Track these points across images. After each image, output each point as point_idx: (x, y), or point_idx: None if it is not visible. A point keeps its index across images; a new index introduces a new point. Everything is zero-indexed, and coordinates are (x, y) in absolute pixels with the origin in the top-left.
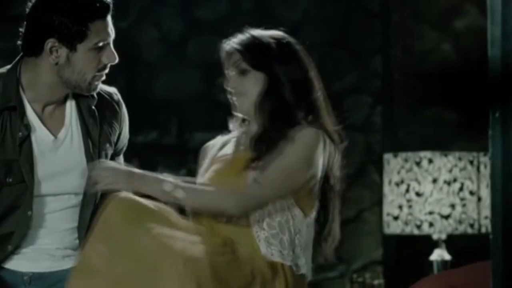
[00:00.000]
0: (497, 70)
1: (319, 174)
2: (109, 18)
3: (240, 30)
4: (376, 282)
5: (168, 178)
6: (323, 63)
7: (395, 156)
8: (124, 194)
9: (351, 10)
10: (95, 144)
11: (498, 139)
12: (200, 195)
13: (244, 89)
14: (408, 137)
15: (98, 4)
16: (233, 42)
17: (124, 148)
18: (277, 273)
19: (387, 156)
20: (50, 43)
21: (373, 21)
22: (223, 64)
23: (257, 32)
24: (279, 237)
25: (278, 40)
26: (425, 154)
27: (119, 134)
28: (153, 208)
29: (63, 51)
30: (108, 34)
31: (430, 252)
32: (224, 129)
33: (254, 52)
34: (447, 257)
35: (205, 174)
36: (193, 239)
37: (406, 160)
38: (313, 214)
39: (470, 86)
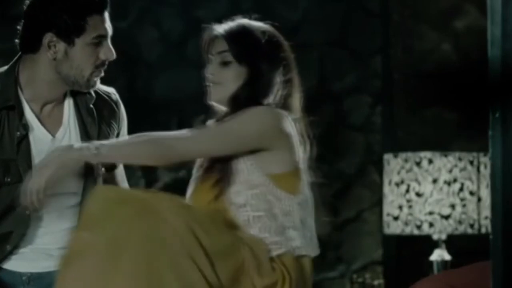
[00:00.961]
0: (497, 70)
1: (275, 148)
2: (106, 14)
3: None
4: (376, 282)
5: (95, 142)
6: (323, 63)
7: (395, 156)
8: (105, 185)
9: (351, 10)
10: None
11: (498, 139)
12: (122, 148)
13: (224, 80)
14: (408, 137)
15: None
16: (222, 30)
17: None
18: (272, 261)
19: (387, 156)
20: (48, 37)
21: (373, 21)
22: (204, 46)
23: (247, 23)
24: (267, 224)
25: (267, 36)
26: (425, 154)
27: (118, 134)
28: (134, 194)
29: (61, 46)
30: (105, 29)
31: (430, 252)
32: None
33: (241, 46)
34: (447, 257)
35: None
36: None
37: (406, 160)
38: (303, 191)
39: (470, 86)
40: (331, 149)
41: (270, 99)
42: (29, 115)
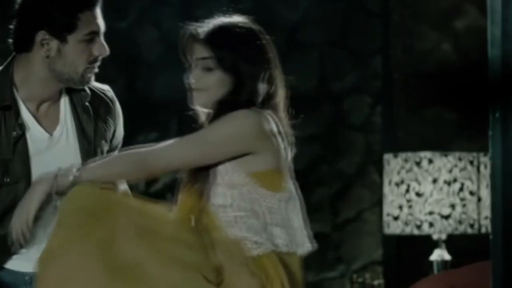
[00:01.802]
0: (497, 70)
1: (259, 150)
2: (98, 10)
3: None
4: (376, 282)
5: (74, 166)
6: (323, 63)
7: (395, 156)
8: (82, 185)
9: (351, 10)
10: (90, 141)
11: (498, 139)
12: (102, 168)
13: (207, 86)
14: (408, 137)
15: None
16: (203, 34)
17: (119, 145)
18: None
19: (387, 156)
20: (41, 35)
21: (373, 21)
22: (183, 49)
23: (228, 25)
24: (249, 223)
25: (249, 36)
26: (425, 154)
27: (114, 131)
28: (109, 194)
29: (54, 43)
30: (97, 25)
31: (430, 252)
32: None
33: (225, 53)
34: (447, 257)
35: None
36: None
37: (406, 160)
38: (287, 189)
39: (470, 86)
40: (331, 149)
41: (255, 101)
42: (26, 115)
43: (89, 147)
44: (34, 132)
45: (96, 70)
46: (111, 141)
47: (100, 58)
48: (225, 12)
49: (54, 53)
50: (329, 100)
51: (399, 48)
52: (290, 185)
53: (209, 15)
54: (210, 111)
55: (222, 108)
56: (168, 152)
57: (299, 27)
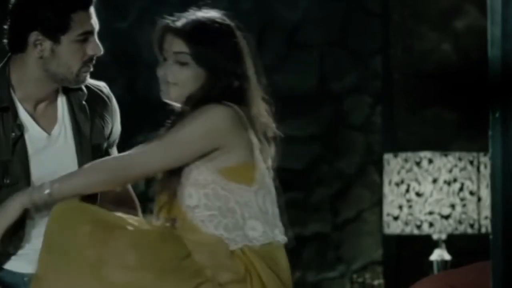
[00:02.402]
0: (497, 70)
1: (229, 145)
2: (92, 10)
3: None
4: (376, 282)
5: (47, 182)
6: (323, 63)
7: (395, 156)
8: (67, 201)
9: (351, 10)
10: (86, 139)
11: (498, 139)
12: (75, 181)
13: (181, 81)
14: (408, 137)
15: None
16: (179, 28)
17: (116, 141)
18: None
19: (387, 156)
20: (33, 36)
21: (373, 21)
22: (157, 41)
23: (204, 20)
24: (222, 222)
25: (225, 33)
26: (425, 154)
27: (112, 127)
28: (92, 209)
29: (47, 44)
30: (91, 25)
31: (430, 252)
32: None
33: (200, 48)
34: (447, 257)
35: None
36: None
37: (406, 160)
38: (261, 181)
39: (470, 86)
40: (331, 149)
41: (227, 96)
42: (23, 115)
43: (86, 146)
44: (33, 132)
45: (91, 69)
46: (108, 137)
47: (95, 57)
48: (201, 7)
49: (47, 53)
50: (329, 100)
51: (399, 48)
52: (265, 177)
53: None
54: (182, 105)
55: (193, 103)
56: (143, 158)
57: (299, 27)
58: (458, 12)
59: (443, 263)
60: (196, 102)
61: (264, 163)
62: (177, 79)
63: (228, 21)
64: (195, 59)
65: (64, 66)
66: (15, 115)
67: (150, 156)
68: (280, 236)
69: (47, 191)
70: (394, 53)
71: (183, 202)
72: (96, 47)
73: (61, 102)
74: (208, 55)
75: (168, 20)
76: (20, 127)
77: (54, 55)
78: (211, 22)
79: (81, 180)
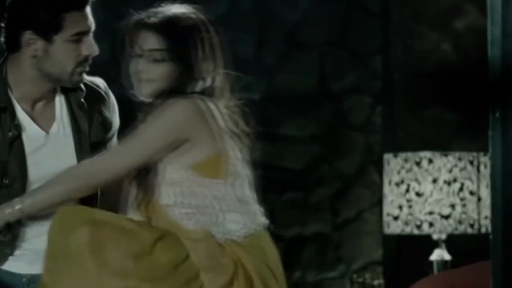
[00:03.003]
0: (497, 70)
1: (195, 138)
2: (87, 10)
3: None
4: (376, 282)
5: (17, 199)
6: (323, 63)
7: (395, 156)
8: (68, 205)
9: (351, 10)
10: (85, 137)
11: (498, 139)
12: (44, 193)
13: (156, 78)
14: (408, 137)
15: None
16: (154, 25)
17: (116, 134)
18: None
19: (387, 156)
20: (27, 35)
21: (373, 21)
22: (129, 37)
23: (180, 16)
24: (199, 219)
25: (198, 28)
26: (425, 154)
27: (111, 122)
28: (91, 212)
29: (41, 43)
30: (86, 26)
31: (430, 252)
32: None
33: (176, 44)
34: (447, 257)
35: None
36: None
37: (406, 160)
38: (234, 172)
39: (470, 86)
40: (331, 149)
41: (198, 90)
42: (21, 115)
43: (85, 143)
44: (30, 131)
45: (87, 69)
46: (107, 132)
47: (90, 57)
48: (173, 2)
49: (41, 53)
50: (329, 100)
51: (399, 48)
52: (238, 166)
53: (209, 15)
54: (152, 99)
55: (163, 97)
56: (111, 161)
57: (299, 27)
58: (458, 12)
59: (443, 263)
60: (166, 96)
61: (239, 153)
62: (153, 76)
63: (200, 15)
64: (171, 55)
65: (58, 65)
66: (13, 115)
67: (118, 158)
68: (261, 220)
69: (17, 207)
70: (394, 53)
71: (161, 201)
72: (91, 47)
73: (59, 100)
74: (183, 51)
75: (141, 15)
76: (18, 127)
77: (47, 54)
78: (186, 17)
79: (52, 192)
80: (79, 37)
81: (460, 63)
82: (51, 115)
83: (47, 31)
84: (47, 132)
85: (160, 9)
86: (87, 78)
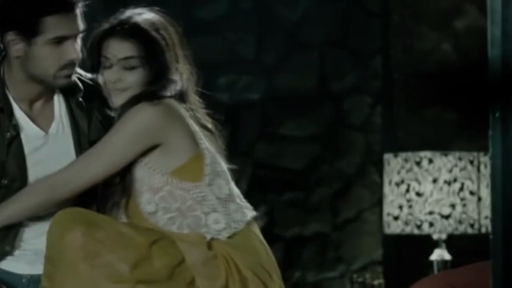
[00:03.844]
0: (497, 70)
1: (164, 141)
2: (74, 14)
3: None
4: (376, 282)
5: None
6: (323, 63)
7: (395, 156)
8: (66, 209)
9: (351, 10)
10: (85, 136)
11: (498, 139)
12: (12, 207)
13: (130, 85)
14: (408, 137)
15: (50, 1)
16: (125, 32)
17: None
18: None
19: (387, 156)
20: (9, 36)
21: (373, 21)
22: (100, 47)
23: (147, 22)
24: (183, 221)
25: (165, 33)
26: (425, 154)
27: (110, 120)
28: (87, 215)
29: (22, 44)
30: (68, 30)
31: (430, 252)
32: (224, 129)
33: (148, 51)
34: (447, 257)
35: None
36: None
37: (406, 160)
38: (212, 171)
39: (470, 86)
40: (331, 149)
41: (171, 90)
42: (19, 115)
43: (84, 142)
44: (29, 131)
45: (73, 72)
46: (107, 131)
47: (75, 62)
48: (136, 7)
49: (23, 54)
50: (329, 100)
51: (399, 48)
52: (215, 164)
53: (209, 15)
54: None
55: (133, 103)
56: (77, 173)
57: (299, 27)
58: (458, 12)
59: (443, 263)
60: (136, 101)
61: (214, 151)
62: (128, 84)
63: (162, 19)
64: (143, 61)
65: (40, 68)
66: (11, 115)
67: (86, 169)
68: (245, 215)
69: None
70: (394, 53)
71: (142, 209)
72: (73, 52)
73: (58, 100)
74: (154, 55)
75: (107, 25)
76: (16, 127)
77: (29, 56)
78: (152, 23)
79: (21, 204)
80: (58, 40)
81: (460, 63)
82: (50, 114)
83: (27, 34)
84: (46, 131)
85: (123, 16)
86: (86, 76)
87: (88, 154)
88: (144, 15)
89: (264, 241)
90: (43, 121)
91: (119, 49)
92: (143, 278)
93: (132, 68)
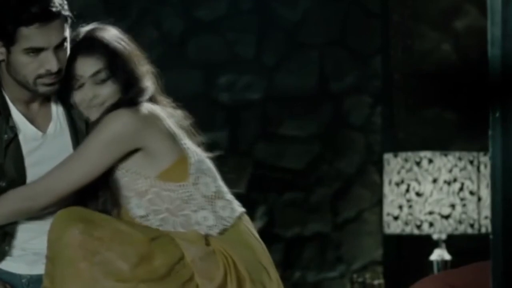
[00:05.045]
0: (497, 70)
1: (144, 145)
2: (48, 25)
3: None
4: (376, 282)
5: None
6: (323, 63)
7: (395, 156)
8: (65, 208)
9: (351, 10)
10: (83, 135)
11: (498, 139)
12: None
13: (104, 99)
14: (408, 137)
15: (25, 12)
16: (88, 49)
17: None
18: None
19: (387, 156)
20: None
21: (373, 21)
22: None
23: (102, 33)
24: (175, 220)
25: (123, 41)
26: (425, 154)
27: None
28: (86, 214)
29: (3, 50)
30: (42, 42)
31: (430, 252)
32: (224, 129)
33: (114, 61)
34: (447, 257)
35: None
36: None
37: (406, 160)
38: (196, 170)
39: (470, 86)
40: (331, 149)
41: (144, 94)
42: (16, 116)
43: (82, 142)
44: (27, 132)
45: (53, 82)
46: None
47: (54, 72)
48: (88, 23)
49: (5, 59)
50: (329, 100)
51: (399, 48)
52: (199, 162)
53: (209, 15)
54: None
55: (109, 112)
56: (55, 183)
57: (299, 27)
58: (458, 12)
59: (443, 263)
60: (114, 109)
61: (196, 149)
62: (104, 98)
63: (115, 29)
64: (112, 72)
65: (20, 74)
66: (8, 117)
67: (64, 178)
68: (234, 211)
69: None
70: (394, 53)
71: (134, 214)
72: (48, 63)
73: (55, 100)
74: (120, 64)
75: (72, 47)
76: (13, 129)
77: (9, 62)
78: (109, 34)
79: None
80: (32, 51)
81: (460, 63)
82: (47, 114)
83: (5, 41)
84: (44, 132)
85: (80, 36)
86: None
87: (65, 162)
88: (98, 29)
89: (258, 237)
90: (40, 122)
91: (86, 67)
92: (144, 276)
93: (103, 81)
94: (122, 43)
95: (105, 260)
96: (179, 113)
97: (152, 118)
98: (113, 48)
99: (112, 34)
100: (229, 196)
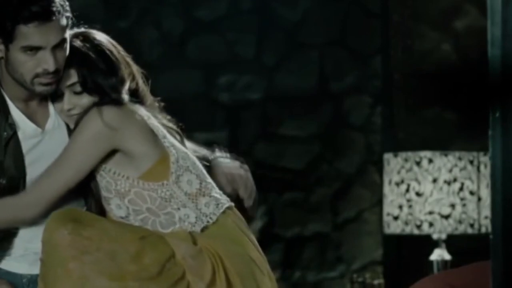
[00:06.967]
0: (497, 70)
1: (125, 145)
2: (46, 25)
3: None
4: (376, 282)
5: None
6: (323, 63)
7: (395, 156)
8: (55, 211)
9: (351, 10)
10: None
11: (498, 139)
12: None
13: (80, 110)
14: (408, 137)
15: (25, 10)
16: (68, 61)
17: None
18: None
19: (387, 156)
20: None
21: (373, 21)
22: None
23: (83, 43)
24: (155, 220)
25: (102, 47)
26: (425, 154)
27: None
28: (76, 214)
29: (2, 47)
30: (39, 41)
31: (430, 252)
32: (224, 129)
33: (88, 76)
34: (447, 257)
35: None
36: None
37: (406, 160)
38: (178, 169)
39: (470, 86)
40: (331, 149)
41: (123, 99)
42: (15, 113)
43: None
44: (26, 129)
45: (51, 81)
46: None
47: (51, 71)
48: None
49: (4, 56)
50: (329, 100)
51: (399, 48)
52: (180, 159)
53: (209, 15)
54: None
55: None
56: (44, 190)
57: (299, 27)
58: (458, 12)
59: (443, 263)
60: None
61: (179, 146)
62: (81, 109)
63: (100, 34)
64: (84, 86)
65: (17, 72)
66: (7, 114)
67: (50, 186)
68: (218, 206)
69: None
70: (394, 53)
71: (115, 215)
72: (44, 63)
73: (52, 96)
74: (93, 79)
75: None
76: (12, 126)
77: (7, 59)
78: (90, 43)
79: None
80: (29, 49)
81: (460, 63)
82: (46, 111)
83: (4, 38)
84: (43, 128)
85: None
86: None
87: (51, 169)
88: (81, 36)
89: (248, 231)
90: (39, 119)
91: (64, 77)
92: (135, 275)
93: (80, 92)
94: (109, 46)
95: (95, 260)
96: (161, 111)
97: (130, 119)
98: (90, 62)
99: (95, 43)
100: (216, 191)
